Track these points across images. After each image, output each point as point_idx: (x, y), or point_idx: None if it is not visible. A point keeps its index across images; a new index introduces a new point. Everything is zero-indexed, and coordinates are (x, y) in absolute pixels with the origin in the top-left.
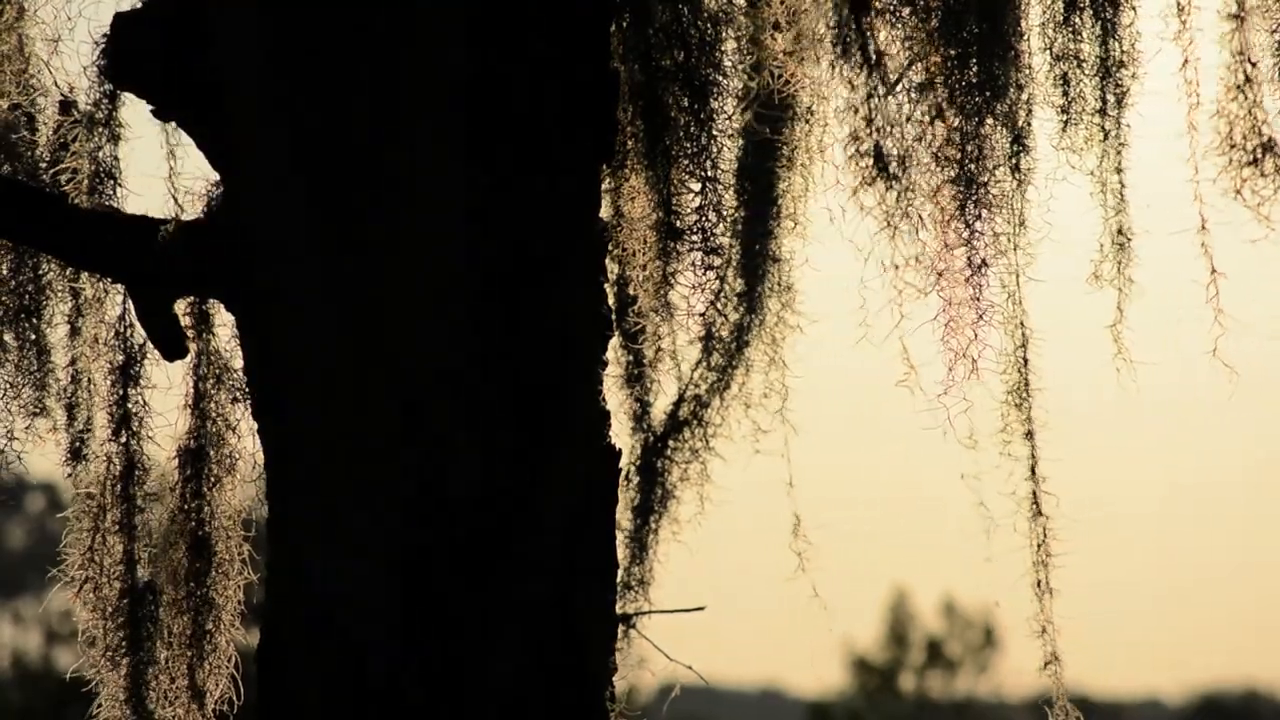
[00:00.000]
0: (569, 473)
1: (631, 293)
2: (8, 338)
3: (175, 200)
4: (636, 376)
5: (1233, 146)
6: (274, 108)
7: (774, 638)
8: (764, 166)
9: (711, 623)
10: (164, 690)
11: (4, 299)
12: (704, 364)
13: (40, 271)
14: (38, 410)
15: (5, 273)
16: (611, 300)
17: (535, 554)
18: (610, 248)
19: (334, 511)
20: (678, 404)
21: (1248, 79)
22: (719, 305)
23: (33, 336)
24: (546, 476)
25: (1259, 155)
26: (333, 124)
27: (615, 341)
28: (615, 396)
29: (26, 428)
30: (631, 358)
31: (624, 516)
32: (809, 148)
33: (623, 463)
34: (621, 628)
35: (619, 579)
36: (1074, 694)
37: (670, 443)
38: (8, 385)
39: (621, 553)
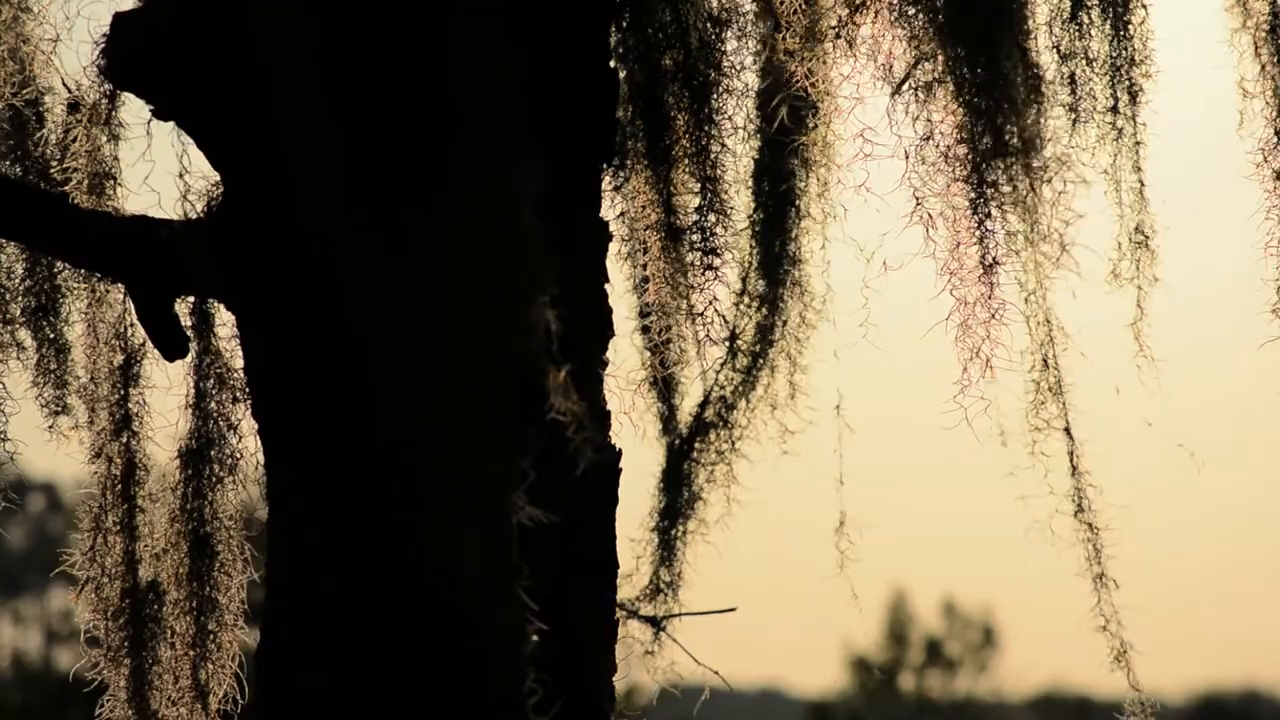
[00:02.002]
0: (569, 473)
1: (642, 293)
2: (24, 337)
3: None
4: (660, 378)
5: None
6: (273, 109)
7: (774, 637)
8: (781, 166)
9: (711, 622)
10: (168, 690)
11: (21, 299)
12: (729, 365)
13: (55, 269)
14: (59, 409)
15: (20, 273)
16: (628, 300)
17: (534, 554)
18: (621, 248)
19: (332, 511)
20: (703, 406)
21: None
22: (739, 306)
23: (50, 335)
24: (546, 476)
25: None
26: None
27: (639, 343)
28: (640, 398)
29: (50, 426)
30: (653, 359)
31: (652, 519)
32: (826, 146)
33: (651, 466)
34: (652, 630)
35: (649, 582)
36: (1074, 694)
37: (696, 445)
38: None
39: (651, 555)
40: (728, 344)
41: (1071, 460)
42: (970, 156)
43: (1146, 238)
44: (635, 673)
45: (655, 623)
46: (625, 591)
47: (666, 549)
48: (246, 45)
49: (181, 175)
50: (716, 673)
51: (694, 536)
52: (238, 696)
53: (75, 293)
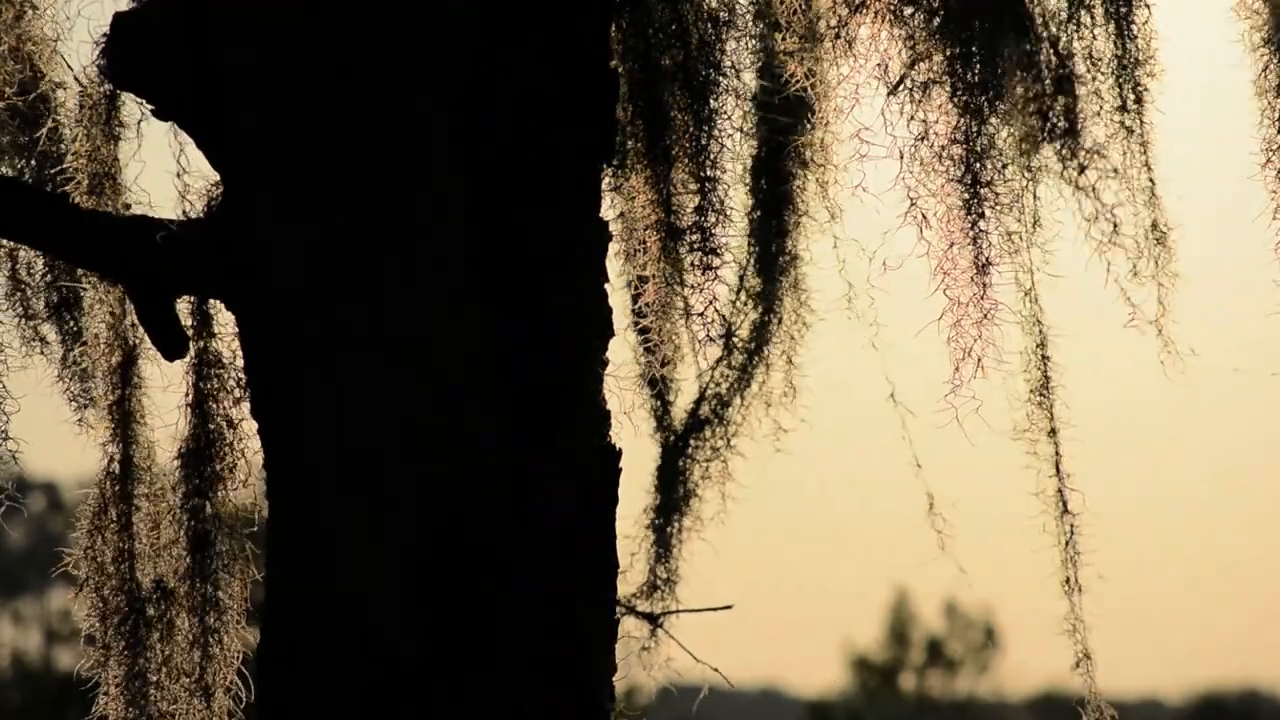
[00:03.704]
0: (569, 473)
1: (640, 292)
2: (48, 331)
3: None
4: (656, 376)
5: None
6: (273, 108)
7: (774, 637)
8: (779, 165)
9: (710, 622)
10: (170, 689)
11: (41, 295)
12: (725, 363)
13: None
14: (87, 401)
15: (41, 269)
16: (628, 300)
17: (535, 553)
18: (621, 248)
19: (334, 512)
20: (698, 403)
21: None
22: (736, 304)
23: (74, 329)
24: (546, 476)
25: None
26: (332, 125)
27: (634, 341)
28: (636, 396)
29: (79, 420)
30: (651, 357)
31: (647, 516)
32: (823, 146)
33: (647, 462)
34: (649, 627)
35: (646, 579)
36: (1074, 695)
37: (692, 441)
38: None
39: (647, 552)
40: (723, 341)
41: (1055, 463)
42: (965, 156)
43: (1164, 234)
44: (635, 672)
45: (652, 619)
46: (621, 588)
47: (662, 546)
48: (231, 47)
49: (180, 175)
50: (716, 669)
51: (689, 533)
52: (240, 694)
53: (96, 286)
